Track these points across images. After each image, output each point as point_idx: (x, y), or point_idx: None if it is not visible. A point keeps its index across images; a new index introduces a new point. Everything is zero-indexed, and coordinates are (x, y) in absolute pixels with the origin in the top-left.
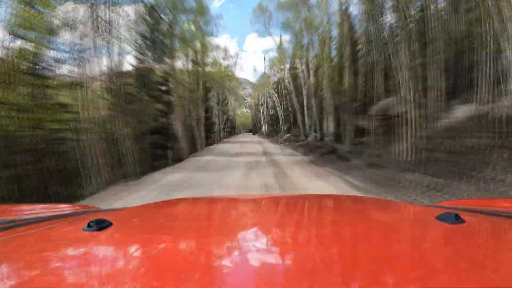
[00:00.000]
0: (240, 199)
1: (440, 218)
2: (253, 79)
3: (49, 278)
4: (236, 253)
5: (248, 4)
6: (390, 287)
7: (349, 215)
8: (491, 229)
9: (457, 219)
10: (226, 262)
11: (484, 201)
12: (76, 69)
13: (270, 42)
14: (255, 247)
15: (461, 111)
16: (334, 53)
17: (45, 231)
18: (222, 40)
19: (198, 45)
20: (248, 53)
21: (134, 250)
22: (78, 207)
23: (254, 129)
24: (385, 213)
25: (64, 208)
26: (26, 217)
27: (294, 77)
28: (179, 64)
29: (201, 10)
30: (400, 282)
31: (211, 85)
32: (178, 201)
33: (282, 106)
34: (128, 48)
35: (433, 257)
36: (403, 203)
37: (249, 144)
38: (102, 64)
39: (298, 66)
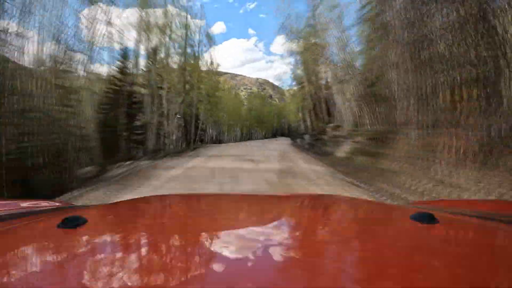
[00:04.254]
0: (219, 197)
1: (414, 218)
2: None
3: (21, 276)
4: (212, 250)
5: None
6: (364, 286)
7: (324, 214)
8: (464, 230)
9: (431, 219)
10: (202, 259)
11: (459, 201)
12: None
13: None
14: (233, 246)
15: None
16: None
17: (17, 228)
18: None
19: None
20: (276, 57)
21: (109, 249)
22: (51, 203)
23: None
24: (359, 212)
25: (37, 204)
26: None
27: None
28: None
29: None
30: (373, 281)
31: None
32: (152, 198)
33: None
34: None
35: (407, 256)
36: (378, 202)
37: None
38: None
39: None
